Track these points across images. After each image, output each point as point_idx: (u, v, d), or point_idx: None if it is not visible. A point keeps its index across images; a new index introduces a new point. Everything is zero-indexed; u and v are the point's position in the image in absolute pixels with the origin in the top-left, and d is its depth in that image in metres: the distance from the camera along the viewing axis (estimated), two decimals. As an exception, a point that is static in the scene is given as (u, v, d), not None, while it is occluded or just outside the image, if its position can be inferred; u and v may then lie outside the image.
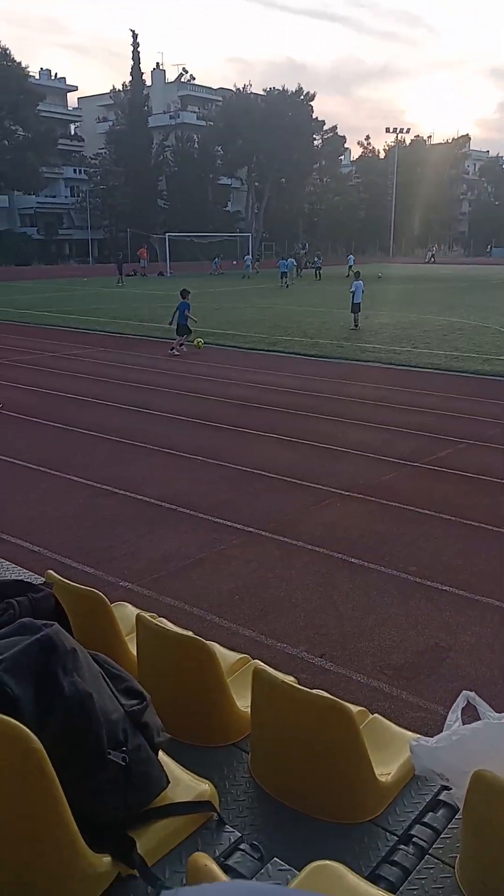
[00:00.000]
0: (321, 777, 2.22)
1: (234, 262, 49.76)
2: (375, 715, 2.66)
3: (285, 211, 69.94)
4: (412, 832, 2.09)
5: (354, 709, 2.40)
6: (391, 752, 2.41)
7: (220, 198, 68.40)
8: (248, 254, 48.98)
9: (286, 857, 1.75)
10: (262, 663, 2.61)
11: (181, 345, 16.29)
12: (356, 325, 19.64)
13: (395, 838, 2.07)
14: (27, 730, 1.44)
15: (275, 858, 1.72)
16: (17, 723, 1.44)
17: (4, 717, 1.45)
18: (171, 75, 75.12)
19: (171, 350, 16.11)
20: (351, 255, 45.23)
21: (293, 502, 6.86)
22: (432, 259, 66.85)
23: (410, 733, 2.53)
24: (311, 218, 73.94)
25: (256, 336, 18.35)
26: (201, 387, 12.35)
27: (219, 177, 67.08)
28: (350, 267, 44.12)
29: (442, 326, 20.39)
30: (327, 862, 1.48)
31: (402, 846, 2.03)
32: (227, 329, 19.75)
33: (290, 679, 2.43)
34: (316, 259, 46.37)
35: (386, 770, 2.29)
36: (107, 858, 1.55)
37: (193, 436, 9.18)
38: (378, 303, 27.69)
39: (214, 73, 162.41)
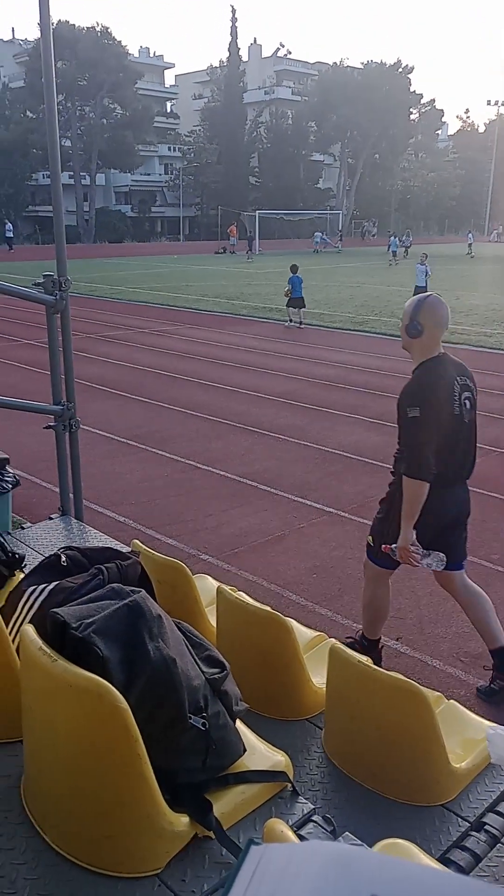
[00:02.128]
0: (394, 758, 2.24)
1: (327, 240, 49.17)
2: (451, 701, 2.65)
3: (377, 188, 68.44)
4: (485, 819, 2.08)
5: (431, 693, 2.40)
6: (466, 738, 2.40)
7: (311, 175, 67.58)
8: (320, 231, 48.35)
9: (357, 833, 1.78)
10: (338, 642, 2.63)
11: (292, 319, 16.77)
12: None
13: (467, 824, 2.07)
14: (114, 689, 1.52)
15: (346, 833, 1.75)
16: (105, 682, 1.52)
17: (94, 675, 1.53)
18: (267, 50, 74.52)
19: (292, 323, 16.67)
20: (470, 233, 43.28)
21: (375, 485, 6.80)
22: (498, 238, 62.77)
23: (487, 721, 2.51)
24: (405, 195, 72.06)
25: (343, 315, 18.15)
26: (286, 366, 12.34)
27: (311, 153, 66.22)
28: (470, 245, 43.13)
29: (538, 309, 19.61)
30: (399, 840, 1.50)
31: (473, 832, 2.03)
32: (314, 308, 19.61)
33: (365, 659, 2.44)
34: (404, 238, 45.24)
35: (460, 756, 2.28)
36: (185, 818, 1.62)
37: (277, 414, 9.21)
38: (471, 284, 26.86)
39: (311, 47, 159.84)
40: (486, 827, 2.06)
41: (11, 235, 43.98)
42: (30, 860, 1.60)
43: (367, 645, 3.91)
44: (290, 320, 16.83)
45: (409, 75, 63.55)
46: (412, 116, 68.14)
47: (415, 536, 3.43)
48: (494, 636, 3.69)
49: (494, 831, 2.04)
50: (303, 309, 16.79)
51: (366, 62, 62.89)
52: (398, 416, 3.52)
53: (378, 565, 3.77)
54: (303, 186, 65.19)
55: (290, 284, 16.94)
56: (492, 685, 3.74)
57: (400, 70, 62.83)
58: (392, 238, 40.97)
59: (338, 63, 63.48)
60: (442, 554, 3.50)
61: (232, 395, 10.26)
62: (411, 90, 64.61)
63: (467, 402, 3.55)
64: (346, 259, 40.82)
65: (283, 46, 74.78)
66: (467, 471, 3.70)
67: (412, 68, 63.58)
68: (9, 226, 44.48)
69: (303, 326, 16.70)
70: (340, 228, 54.06)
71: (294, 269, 17.09)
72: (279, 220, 53.02)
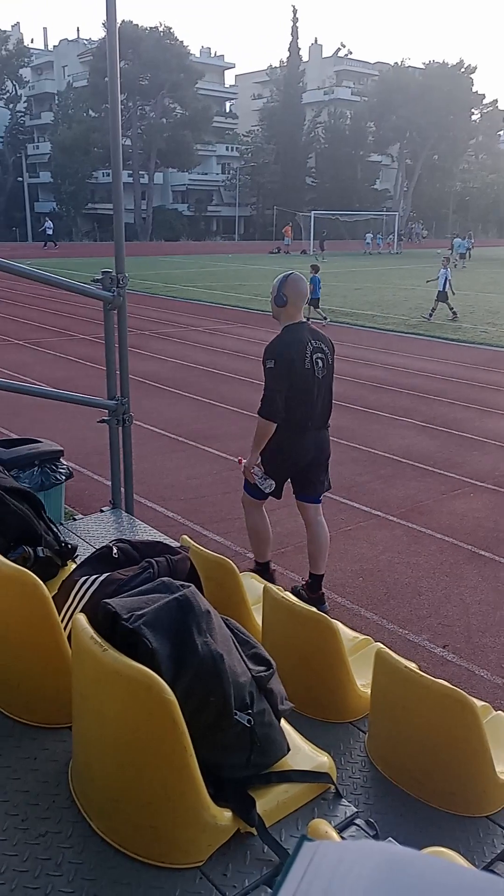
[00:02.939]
0: (439, 766, 2.21)
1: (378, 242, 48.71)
2: (499, 712, 2.60)
3: (435, 189, 67.54)
4: (532, 834, 2.04)
5: (478, 703, 2.36)
6: (514, 751, 2.35)
7: (368, 175, 67.05)
8: (371, 232, 47.79)
9: (400, 839, 1.76)
10: (384, 646, 2.61)
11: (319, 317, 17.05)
12: (431, 314, 17.89)
13: (513, 838, 2.03)
14: (162, 681, 1.53)
15: (390, 838, 1.74)
16: (154, 674, 1.53)
17: (142, 667, 1.54)
18: (328, 50, 74.22)
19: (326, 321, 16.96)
20: (459, 240, 41.56)
21: (424, 489, 6.73)
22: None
23: (536, 735, 2.46)
24: (463, 197, 70.92)
25: (397, 318, 17.96)
26: (338, 367, 12.24)
27: (369, 154, 65.70)
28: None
29: None
30: (444, 849, 1.47)
31: (519, 847, 1.99)
32: (367, 310, 19.46)
33: (412, 665, 2.42)
34: (466, 240, 44.51)
35: (508, 769, 2.24)
36: (228, 813, 1.63)
37: (327, 416, 9.17)
38: (530, 288, 26.31)
39: (372, 47, 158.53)
40: (533, 841, 2.02)
41: (52, 233, 44.56)
42: (76, 844, 1.63)
43: (259, 569, 4.48)
44: (325, 318, 17.21)
45: (472, 75, 62.51)
46: (473, 117, 66.96)
47: (260, 461, 4.28)
48: (318, 565, 4.53)
49: (540, 846, 2.00)
50: (318, 309, 17.25)
51: (427, 62, 62.16)
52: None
53: (249, 494, 4.49)
54: (359, 187, 64.72)
55: (311, 284, 17.12)
56: (300, 590, 4.53)
57: (462, 70, 61.86)
58: (456, 239, 40.68)
59: (399, 63, 62.86)
60: (272, 481, 4.28)
61: (282, 394, 10.25)
62: (473, 90, 63.53)
63: (319, 361, 4.26)
64: (402, 261, 40.40)
65: (343, 46, 74.30)
66: (322, 419, 4.43)
67: (475, 68, 62.59)
68: (49, 223, 45.07)
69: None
70: (400, 230, 53.38)
71: (315, 269, 17.32)
72: (334, 221, 52.73)
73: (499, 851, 1.98)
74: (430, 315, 17.76)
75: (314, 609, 2.64)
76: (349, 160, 63.41)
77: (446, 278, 17.27)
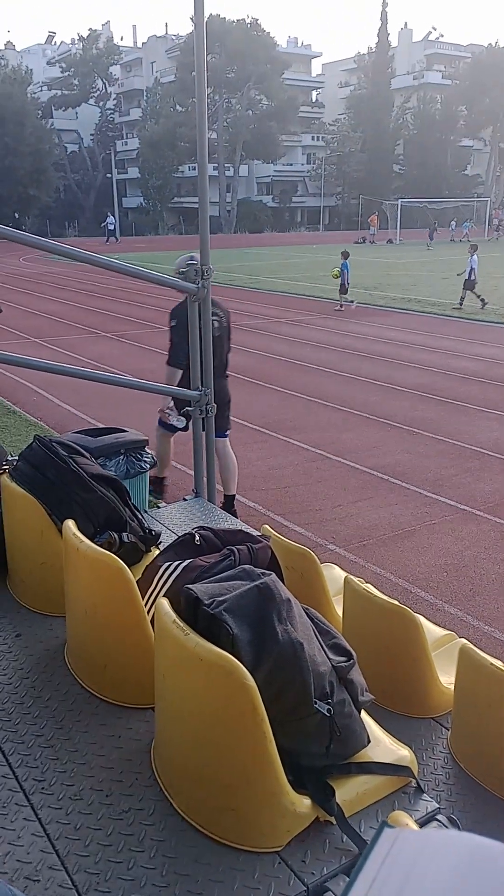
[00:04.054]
0: (526, 768, 2.14)
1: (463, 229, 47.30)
2: None
3: (530, 174, 65.11)
4: None
5: None
6: None
7: (459, 161, 65.17)
8: (455, 219, 46.32)
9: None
10: (469, 643, 2.54)
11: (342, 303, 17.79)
12: (461, 302, 17.47)
13: None
14: (243, 667, 1.54)
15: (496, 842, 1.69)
16: (235, 659, 1.55)
17: (224, 652, 1.56)
18: (418, 35, 72.46)
19: (352, 303, 17.77)
20: None
21: (514, 484, 6.51)
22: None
23: None
24: None
25: (490, 307, 17.42)
26: (423, 357, 12.03)
27: (460, 139, 63.85)
28: None
29: None
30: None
31: None
32: (452, 298, 18.95)
33: (498, 663, 2.35)
34: None
35: None
36: (307, 800, 1.63)
37: (412, 407, 9.01)
38: None
39: (466, 30, 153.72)
40: None
41: (113, 227, 45.13)
42: (157, 822, 1.67)
43: (154, 481, 5.48)
44: (351, 301, 17.78)
45: None
46: None
47: (172, 403, 5.17)
48: (230, 486, 5.59)
49: None
50: (344, 295, 17.74)
51: (524, 41, 59.77)
52: None
53: (161, 427, 5.53)
54: (448, 174, 62.99)
55: (342, 269, 17.56)
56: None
57: None
58: None
59: (493, 44, 60.69)
60: (183, 419, 5.05)
61: (365, 385, 10.14)
62: None
63: (215, 322, 4.90)
64: (494, 248, 39.12)
65: (434, 29, 72.57)
66: (221, 369, 5.29)
67: None
68: (111, 218, 45.70)
69: (343, 308, 17.56)
70: (481, 219, 51.56)
71: (345, 254, 17.81)
72: (422, 209, 51.57)
73: None
74: (461, 303, 17.54)
75: (396, 602, 2.60)
76: (439, 146, 61.79)
77: (472, 267, 17.04)
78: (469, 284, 17.28)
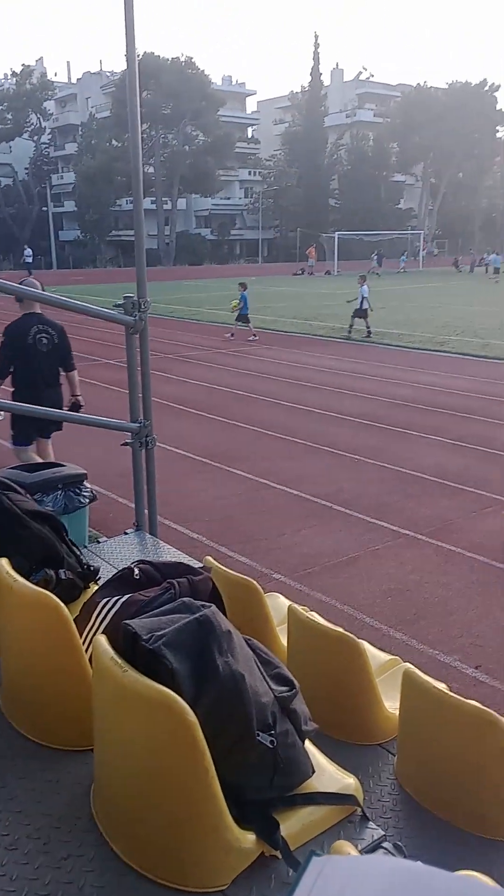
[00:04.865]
0: (470, 788, 2.15)
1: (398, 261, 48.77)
2: (533, 735, 2.53)
3: (461, 207, 67.52)
4: None
5: (510, 724, 2.30)
6: (548, 775, 2.29)
7: (392, 195, 67.26)
8: (377, 252, 47.91)
9: (429, 863, 1.71)
10: (412, 666, 2.56)
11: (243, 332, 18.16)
12: (350, 330, 18.16)
13: (549, 864, 1.96)
14: (183, 702, 1.52)
15: (418, 862, 1.69)
16: (175, 694, 1.52)
17: (163, 687, 1.53)
18: (349, 74, 74.94)
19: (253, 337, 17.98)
20: (494, 256, 42.33)
21: (454, 507, 6.65)
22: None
23: None
24: (489, 213, 70.72)
25: (423, 335, 17.90)
26: (365, 386, 12.25)
27: (392, 174, 65.99)
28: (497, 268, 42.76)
29: None
30: (475, 874, 1.43)
31: None
32: (392, 328, 19.44)
33: (442, 686, 2.37)
34: (486, 255, 45.14)
35: (541, 792, 2.18)
36: (251, 835, 1.60)
37: (354, 435, 9.14)
38: None
39: (394, 70, 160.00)
40: None
41: (31, 261, 44.60)
42: (97, 867, 1.61)
43: None
44: (232, 334, 18.18)
45: (496, 93, 62.65)
46: (498, 134, 66.99)
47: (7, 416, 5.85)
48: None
49: None
50: (247, 324, 18.11)
51: (450, 82, 62.47)
52: None
53: (12, 443, 6.02)
54: (383, 207, 64.91)
55: (240, 301, 18.02)
56: None
57: (486, 89, 62.02)
58: (492, 255, 42.98)
59: (421, 84, 63.22)
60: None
61: (308, 414, 10.25)
62: (497, 108, 63.64)
63: (44, 339, 5.76)
64: (427, 279, 40.35)
65: (365, 69, 75.15)
66: (52, 380, 5.92)
67: (498, 86, 62.70)
68: (28, 251, 45.30)
69: (228, 339, 17.96)
70: (409, 249, 53.42)
71: (243, 286, 18.39)
72: (359, 241, 52.93)
73: (534, 878, 1.91)
74: (350, 331, 18.07)
75: (340, 629, 2.61)
76: (372, 181, 63.70)
77: (363, 296, 17.75)
78: (359, 313, 17.94)
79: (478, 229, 69.55)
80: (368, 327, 17.97)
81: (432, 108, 59.38)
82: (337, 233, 46.75)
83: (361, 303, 17.84)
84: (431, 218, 65.86)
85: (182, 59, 54.86)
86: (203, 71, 56.06)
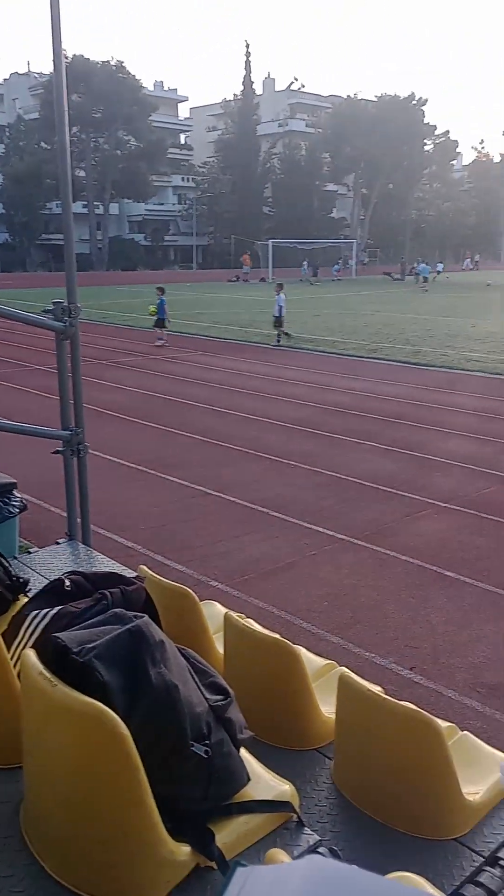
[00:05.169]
0: (406, 790, 2.18)
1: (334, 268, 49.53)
2: (465, 732, 2.58)
3: (391, 217, 69.14)
4: (499, 854, 2.01)
5: (443, 724, 2.34)
6: (480, 771, 2.34)
7: (325, 204, 68.36)
8: (307, 261, 48.90)
9: (366, 866, 1.71)
10: (348, 671, 2.58)
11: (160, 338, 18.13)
12: (279, 339, 18.18)
13: (481, 859, 2.00)
14: (114, 715, 1.48)
15: (354, 866, 1.69)
16: (106, 707, 1.49)
17: (93, 701, 1.50)
18: (281, 84, 75.82)
19: (161, 341, 17.97)
20: (423, 265, 44.66)
21: (389, 512, 6.76)
22: (473, 266, 63.26)
23: (501, 754, 2.45)
24: (419, 224, 72.61)
25: (356, 343, 18.20)
26: (299, 392, 12.36)
27: (325, 183, 67.06)
28: (438, 273, 45.53)
29: (552, 336, 19.57)
30: (409, 874, 1.44)
31: (487, 868, 1.96)
32: (326, 335, 19.70)
33: (377, 689, 2.39)
34: (416, 265, 46.60)
35: (474, 789, 2.22)
36: (186, 848, 1.58)
37: (289, 441, 9.20)
38: (486, 311, 26.92)
39: (325, 81, 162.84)
40: (501, 862, 1.99)
41: None
42: (28, 887, 1.56)
43: None
44: (161, 338, 18.08)
45: (423, 107, 64.47)
46: (426, 147, 68.92)
47: None
48: None
49: (509, 867, 1.97)
50: (163, 329, 18.25)
51: (380, 95, 64.01)
52: None
53: None
54: (316, 216, 65.91)
55: (158, 305, 18.29)
56: None
57: (414, 102, 63.78)
58: (421, 265, 44.26)
59: (351, 96, 64.50)
60: None
61: (243, 421, 10.27)
62: (425, 121, 65.47)
63: None
64: (360, 287, 41.10)
65: (296, 80, 76.36)
66: None
67: (426, 100, 64.63)
68: None
69: (162, 344, 17.90)
70: (344, 258, 54.46)
71: (161, 290, 18.80)
72: (293, 249, 53.54)
73: (467, 874, 1.94)
74: (279, 341, 18.27)
75: (276, 635, 2.61)
76: (305, 190, 64.61)
77: (279, 305, 18.16)
78: (277, 321, 18.25)
79: (409, 239, 71.29)
80: (279, 336, 18.22)
81: (362, 119, 60.70)
82: (271, 240, 47.14)
83: (279, 311, 18.19)
84: (363, 227, 67.18)
85: (113, 62, 54.52)
86: (134, 76, 55.88)
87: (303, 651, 2.76)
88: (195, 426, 9.81)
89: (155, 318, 18.30)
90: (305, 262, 48.00)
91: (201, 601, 2.99)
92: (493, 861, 1.98)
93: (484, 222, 73.72)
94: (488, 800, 2.21)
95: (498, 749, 2.53)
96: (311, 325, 22.08)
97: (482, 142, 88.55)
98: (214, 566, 5.49)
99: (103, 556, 3.90)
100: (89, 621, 1.80)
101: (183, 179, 66.94)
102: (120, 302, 29.72)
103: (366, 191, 66.52)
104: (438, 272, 48.80)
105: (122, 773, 1.48)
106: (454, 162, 78.66)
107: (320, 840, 1.74)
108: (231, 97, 67.67)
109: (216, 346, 18.05)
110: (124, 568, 3.68)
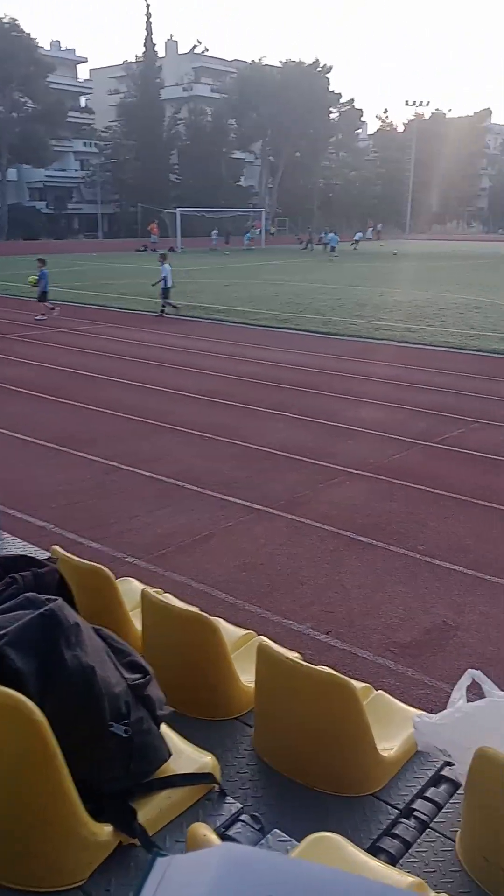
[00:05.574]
0: (324, 751, 2.24)
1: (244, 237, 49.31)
2: (380, 691, 2.67)
3: (299, 186, 69.15)
4: (414, 806, 2.10)
5: (358, 685, 2.41)
6: (394, 727, 2.43)
7: (232, 172, 67.58)
8: (215, 229, 48.70)
9: (287, 829, 1.76)
10: (266, 639, 2.62)
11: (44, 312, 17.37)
12: (163, 311, 18.08)
13: (397, 811, 2.09)
14: (29, 702, 1.46)
15: (275, 830, 1.74)
16: (20, 695, 1.46)
17: (7, 689, 1.46)
18: (184, 47, 74.07)
19: (41, 316, 17.14)
20: (332, 235, 45.05)
21: (302, 480, 6.86)
22: (374, 237, 63.89)
23: (414, 709, 2.55)
24: (327, 193, 73.00)
25: (268, 313, 18.24)
26: (211, 364, 12.31)
27: (232, 151, 66.24)
28: (358, 242, 46.46)
29: (458, 304, 20.20)
30: (327, 833, 1.49)
31: (403, 819, 2.05)
32: (237, 305, 19.65)
33: (294, 655, 2.44)
34: (323, 235, 47.14)
35: (389, 745, 2.31)
36: (108, 827, 1.57)
37: (203, 413, 9.18)
38: (393, 280, 27.48)
39: (230, 45, 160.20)
40: (416, 813, 2.08)
41: None
42: None
43: None
44: (53, 308, 17.43)
45: (328, 75, 64.43)
46: (332, 116, 69.08)
47: None
48: None
49: (423, 817, 2.07)
50: (44, 303, 17.46)
51: (284, 61, 63.46)
52: None
53: None
54: (224, 184, 65.10)
55: (40, 277, 17.61)
56: None
57: (318, 69, 63.61)
58: (330, 234, 44.08)
59: (256, 61, 63.72)
60: None
61: (156, 394, 10.16)
62: (330, 89, 65.50)
63: None
64: (270, 256, 41.10)
65: (200, 43, 74.61)
66: None
67: (330, 68, 64.60)
68: None
69: (46, 315, 17.20)
70: (251, 227, 54.37)
71: (42, 262, 17.92)
72: (201, 218, 52.87)
73: (384, 827, 2.03)
74: (162, 312, 18.11)
75: (195, 609, 2.61)
76: (212, 157, 63.64)
77: (164, 276, 17.93)
78: (164, 293, 17.99)
79: (316, 208, 71.63)
80: (163, 307, 18.00)
81: (267, 85, 60.17)
82: (179, 209, 46.36)
83: (165, 282, 17.92)
84: (272, 196, 66.98)
85: (6, 20, 51.80)
86: (29, 34, 53.28)
87: (221, 623, 2.78)
88: (106, 400, 9.63)
89: (37, 291, 17.52)
90: (215, 232, 47.56)
91: (117, 578, 2.96)
92: (407, 813, 2.07)
93: (389, 192, 74.86)
94: (402, 754, 2.30)
95: (411, 705, 2.64)
96: (222, 295, 21.98)
97: (386, 111, 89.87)
98: (130, 542, 5.45)
99: (13, 538, 3.80)
100: (0, 607, 1.76)
101: (85, 144, 64.64)
102: (22, 273, 28.61)
103: (273, 159, 66.23)
104: (357, 241, 49.86)
105: (40, 761, 1.46)
106: (359, 131, 79.37)
107: (242, 808, 1.77)
108: (133, 59, 65.61)
109: (125, 318, 17.73)
110: (36, 549, 3.60)
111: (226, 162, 65.93)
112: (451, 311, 18.78)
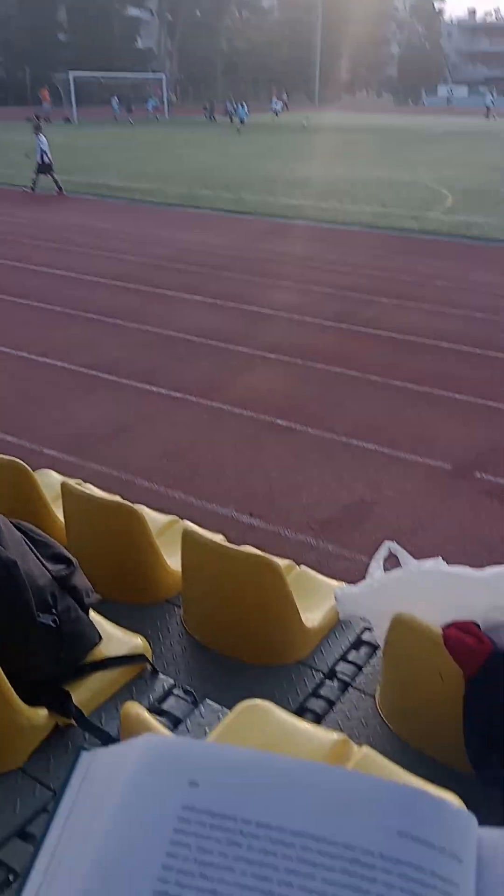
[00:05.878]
0: (251, 625, 2.33)
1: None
2: (302, 566, 2.78)
3: (201, 49, 64.55)
4: (337, 668, 2.24)
5: (282, 562, 2.50)
6: (318, 599, 2.54)
7: (128, 32, 62.22)
8: (115, 97, 45.40)
9: (218, 699, 1.85)
10: (191, 523, 2.65)
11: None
12: (34, 186, 16.72)
13: (322, 675, 2.22)
14: (-48, 600, 1.43)
15: (207, 700, 1.82)
16: None
17: None
18: None
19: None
20: (274, 100, 43.31)
21: (219, 366, 6.80)
22: (280, 110, 60.70)
23: (335, 582, 2.67)
24: (231, 57, 68.57)
25: (175, 190, 17.41)
26: (118, 245, 11.77)
27: (126, 6, 60.66)
28: (276, 112, 44.05)
29: (370, 181, 19.77)
30: (256, 700, 1.57)
31: (327, 681, 2.18)
32: (143, 182, 18.65)
33: (218, 538, 2.49)
34: (228, 104, 44.63)
35: (312, 616, 2.42)
36: (43, 712, 1.61)
37: (113, 299, 8.84)
38: (304, 155, 26.54)
39: None
40: (339, 675, 2.22)
41: None
42: None
43: None
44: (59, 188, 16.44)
45: None
46: (233, -31, 63.95)
47: None
48: None
49: (345, 678, 2.21)
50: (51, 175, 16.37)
51: None
52: None
53: None
54: (119, 45, 59.97)
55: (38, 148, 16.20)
56: None
57: None
58: (238, 106, 41.73)
59: None
60: None
61: (62, 279, 9.69)
62: None
63: None
64: (174, 128, 38.85)
65: None
66: None
67: None
68: None
69: None
70: (151, 96, 50.83)
71: (37, 129, 16.25)
72: (97, 85, 48.88)
73: (310, 690, 2.16)
74: (33, 188, 16.70)
75: (118, 497, 2.60)
76: (104, 13, 58.18)
77: (41, 149, 15.92)
78: (43, 168, 16.20)
79: (221, 73, 67.40)
80: (57, 183, 16.44)
81: None
82: (71, 72, 42.47)
83: (42, 156, 15.94)
84: (172, 60, 62.46)
85: None
86: None
87: (145, 509, 2.79)
88: (8, 288, 9.13)
89: None
90: (115, 99, 44.25)
91: (35, 471, 2.91)
92: (331, 674, 2.21)
93: (297, 57, 70.94)
94: (325, 624, 2.42)
95: (332, 578, 2.76)
96: (125, 170, 20.77)
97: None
98: (48, 434, 5.33)
99: None
100: None
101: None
102: None
103: (171, 17, 61.24)
104: (277, 111, 47.57)
105: (-32, 656, 1.45)
106: (263, -11, 74.03)
107: (174, 682, 1.84)
108: None
109: (19, 197, 16.56)
110: None
111: (119, 19, 60.48)
112: (364, 188, 18.40)
